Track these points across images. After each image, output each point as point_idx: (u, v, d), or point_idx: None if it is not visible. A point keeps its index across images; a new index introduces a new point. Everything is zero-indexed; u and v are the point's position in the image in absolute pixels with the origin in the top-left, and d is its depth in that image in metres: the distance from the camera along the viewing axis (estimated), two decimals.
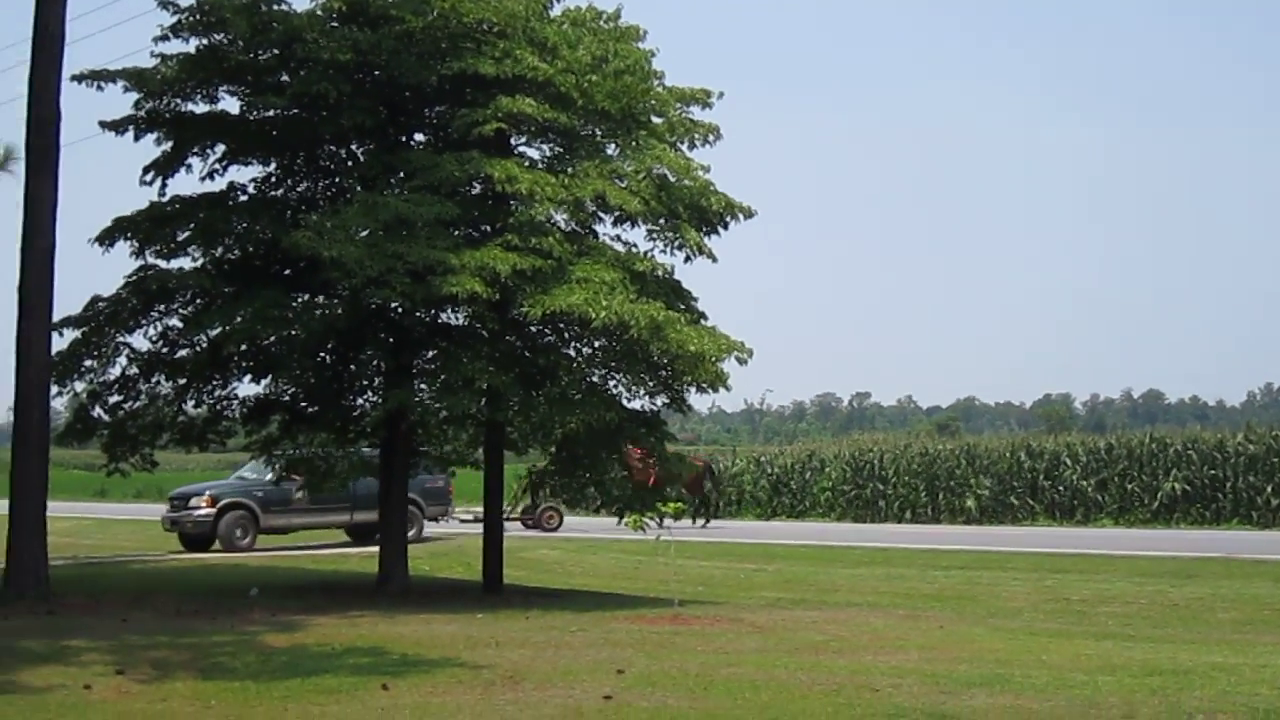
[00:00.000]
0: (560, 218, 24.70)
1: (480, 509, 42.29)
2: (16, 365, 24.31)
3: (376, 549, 27.45)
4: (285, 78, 25.21)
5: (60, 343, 25.75)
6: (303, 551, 38.62)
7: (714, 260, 26.04)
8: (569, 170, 24.46)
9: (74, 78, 25.72)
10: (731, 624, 20.40)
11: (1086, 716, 12.72)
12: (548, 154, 26.16)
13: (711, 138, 26.43)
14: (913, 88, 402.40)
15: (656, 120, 26.03)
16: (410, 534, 37.89)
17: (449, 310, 25.48)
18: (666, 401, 26.89)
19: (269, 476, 36.32)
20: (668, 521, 24.22)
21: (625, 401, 26.00)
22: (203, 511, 38.91)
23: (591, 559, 37.12)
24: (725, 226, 26.39)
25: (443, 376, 24.43)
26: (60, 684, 14.37)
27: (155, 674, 15.16)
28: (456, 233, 23.91)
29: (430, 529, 43.07)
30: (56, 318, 25.22)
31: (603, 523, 46.83)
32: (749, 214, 26.24)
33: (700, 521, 49.60)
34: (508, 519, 41.27)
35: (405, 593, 25.42)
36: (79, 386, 26.81)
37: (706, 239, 25.93)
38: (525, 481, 44.32)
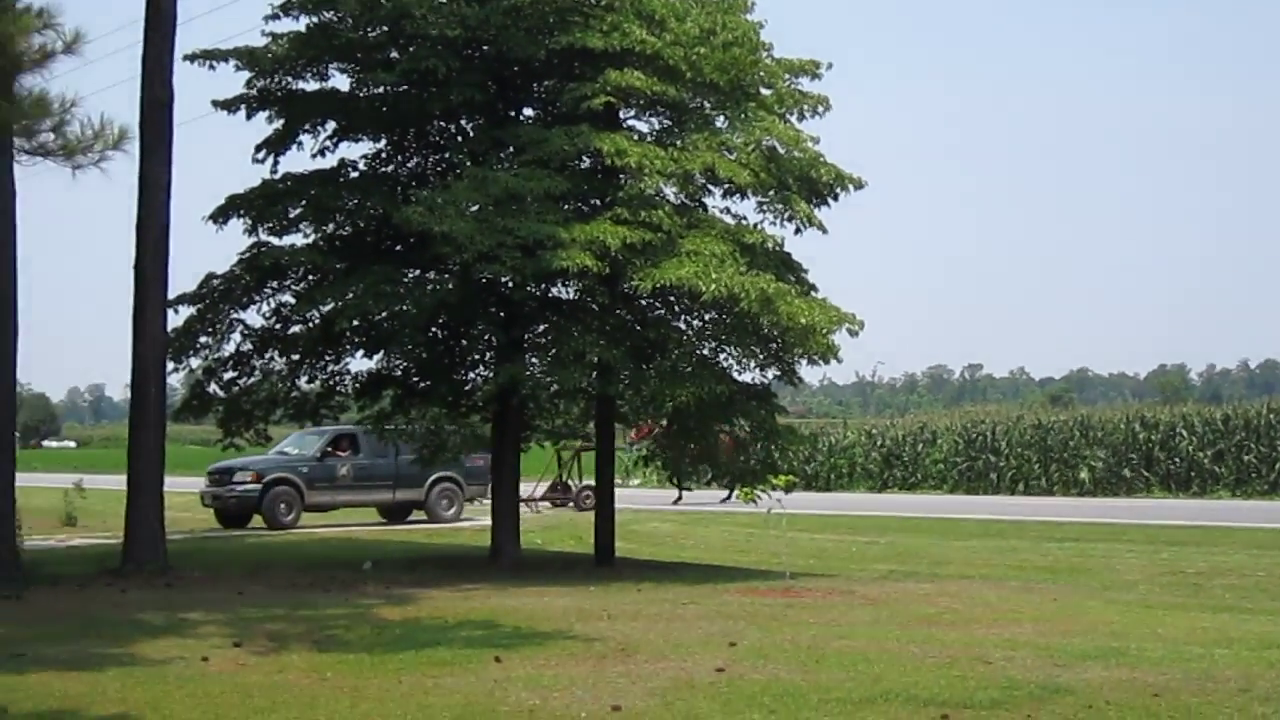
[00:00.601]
0: (669, 191, 24.66)
1: (532, 487, 42.33)
2: (134, 343, 24.63)
3: (489, 523, 27.54)
4: (395, 54, 25.33)
5: (176, 320, 26.11)
6: (372, 528, 38.83)
7: (824, 232, 25.92)
8: (678, 143, 24.38)
9: (186, 58, 25.97)
10: (844, 596, 20.33)
11: (1203, 689, 12.56)
12: (656, 127, 26.11)
13: (821, 109, 26.29)
14: (1024, 53, 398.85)
15: (765, 92, 25.90)
16: (449, 513, 39.34)
17: (559, 284, 25.50)
18: (777, 374, 26.82)
19: (314, 451, 38.40)
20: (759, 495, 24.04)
21: (736, 374, 25.96)
22: (247, 487, 38.48)
23: (702, 532, 37.10)
24: (835, 198, 26.25)
25: (553, 350, 24.48)
26: (178, 656, 14.55)
27: (271, 646, 15.32)
28: (566, 207, 23.94)
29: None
30: (172, 295, 25.54)
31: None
32: (859, 185, 26.08)
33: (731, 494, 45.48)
34: (531, 500, 41.58)
35: (517, 566, 25.51)
36: (194, 363, 27.13)
37: (816, 210, 25.80)
38: (561, 455, 44.05)
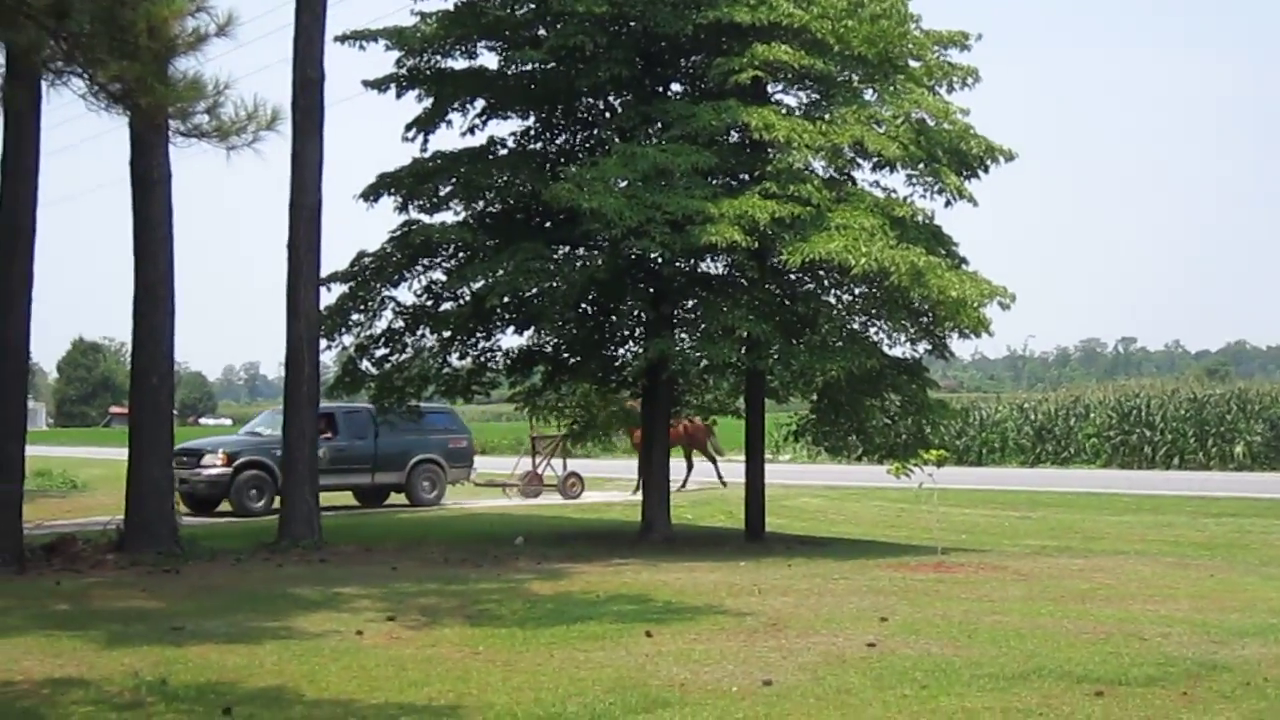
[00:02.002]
0: (818, 164, 24.57)
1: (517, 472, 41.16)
2: (288, 321, 25.00)
3: (639, 499, 27.60)
4: (542, 31, 25.42)
5: (329, 298, 26.42)
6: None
7: (974, 204, 25.66)
8: (826, 116, 24.25)
9: (337, 38, 26.30)
10: (996, 571, 20.16)
11: None
12: (804, 101, 25.99)
13: (970, 80, 26.07)
14: (1174, 25, 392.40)
15: (914, 64, 25.72)
16: (430, 496, 37.43)
17: (708, 259, 25.48)
18: (928, 348, 26.66)
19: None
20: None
21: (886, 348, 25.86)
22: (216, 470, 34.92)
23: (853, 506, 36.96)
24: (985, 170, 26.01)
25: (703, 325, 24.49)
26: (333, 630, 14.74)
27: (425, 620, 15.47)
28: (714, 182, 23.89)
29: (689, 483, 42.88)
30: (324, 273, 25.86)
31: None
32: (1010, 157, 25.81)
33: (682, 483, 40.59)
34: (507, 485, 40.38)
35: (668, 541, 25.55)
36: (347, 340, 27.45)
37: (966, 183, 25.57)
38: (535, 443, 41.78)
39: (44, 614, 16.12)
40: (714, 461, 43.28)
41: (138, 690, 11.38)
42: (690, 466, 42.96)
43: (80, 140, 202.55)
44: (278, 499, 31.24)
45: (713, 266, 25.85)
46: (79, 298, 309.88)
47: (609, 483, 43.93)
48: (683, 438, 39.65)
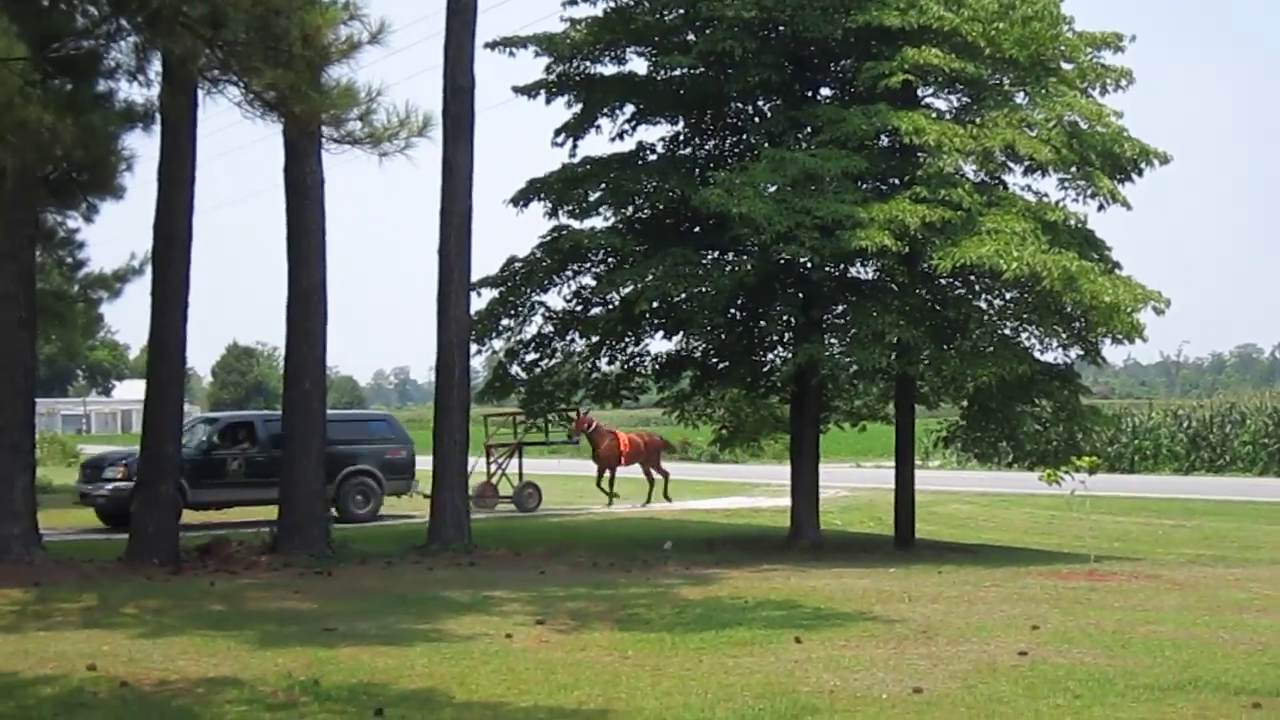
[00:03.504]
0: (969, 169, 24.39)
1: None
2: (438, 326, 25.19)
3: (788, 504, 27.52)
4: (691, 37, 25.48)
5: (479, 303, 26.63)
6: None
7: (1128, 208, 25.37)
8: (977, 120, 24.09)
9: (487, 45, 26.53)
10: (1149, 580, 19.85)
11: None
12: (955, 104, 25.84)
13: (1124, 82, 25.71)
14: None
15: (1066, 66, 25.45)
16: (364, 511, 33.44)
17: (858, 264, 25.38)
18: (1080, 354, 26.37)
19: (199, 442, 32.50)
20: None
21: (1038, 354, 25.61)
22: (116, 484, 31.33)
23: (1003, 513, 36.63)
24: (1140, 173, 25.67)
25: (852, 331, 24.41)
26: (483, 633, 14.82)
27: (574, 624, 15.51)
28: (864, 186, 23.81)
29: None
30: (474, 279, 26.04)
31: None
32: (1164, 160, 25.45)
33: (645, 501, 38.69)
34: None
35: (816, 547, 25.45)
36: (497, 345, 27.64)
37: (1120, 187, 25.25)
38: (490, 451, 38.57)
39: (199, 614, 16.35)
40: (651, 480, 39.35)
41: (291, 690, 11.51)
42: (652, 482, 39.35)
43: (235, 148, 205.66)
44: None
45: (862, 271, 25.77)
46: (233, 303, 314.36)
47: (755, 488, 43.82)
48: (642, 450, 38.78)
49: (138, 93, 22.53)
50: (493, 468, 38.54)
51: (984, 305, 25.96)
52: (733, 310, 26.24)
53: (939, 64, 23.49)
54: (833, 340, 25.37)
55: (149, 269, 24.26)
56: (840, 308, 25.80)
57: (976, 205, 23.18)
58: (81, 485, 32.94)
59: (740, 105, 26.70)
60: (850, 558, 23.82)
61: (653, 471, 39.34)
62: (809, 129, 24.76)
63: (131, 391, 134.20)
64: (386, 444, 34.77)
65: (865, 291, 25.24)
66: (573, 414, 33.41)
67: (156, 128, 23.60)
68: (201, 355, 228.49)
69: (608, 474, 37.89)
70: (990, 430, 26.85)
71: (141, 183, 23.85)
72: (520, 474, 38.64)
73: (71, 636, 14.52)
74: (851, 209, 22.50)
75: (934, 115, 24.50)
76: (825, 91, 26.64)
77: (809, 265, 23.96)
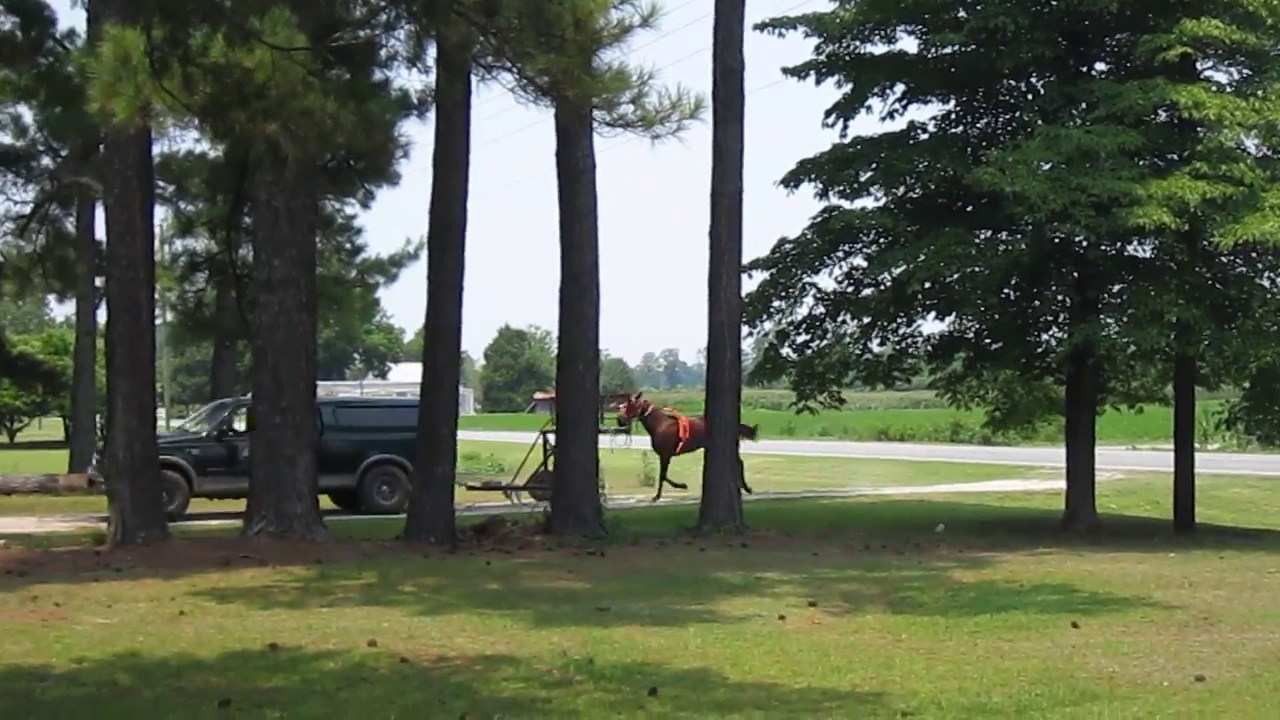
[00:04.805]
0: (1251, 143, 23.76)
1: (491, 476, 36.77)
2: (709, 307, 25.29)
3: (1062, 487, 27.10)
4: (962, 14, 25.17)
5: (749, 285, 26.66)
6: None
7: None
8: (1259, 93, 23.37)
9: (756, 26, 26.58)
10: None
11: None
12: (1235, 77, 25.11)
13: None
14: None
15: None
16: (389, 503, 31.55)
17: (1135, 242, 24.84)
18: None
19: (210, 428, 30.94)
20: None
21: None
22: None
23: None
24: None
25: (1130, 310, 23.89)
26: (756, 614, 14.85)
27: (846, 607, 15.46)
28: (1141, 162, 23.33)
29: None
30: (745, 260, 26.08)
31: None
32: None
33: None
34: (511, 488, 33.34)
35: (1093, 531, 25.00)
36: (767, 326, 27.65)
37: None
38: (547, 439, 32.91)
39: (475, 593, 16.64)
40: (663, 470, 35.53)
41: (566, 669, 11.65)
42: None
43: (506, 133, 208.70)
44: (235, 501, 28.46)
45: (1140, 250, 25.20)
46: (505, 286, 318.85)
47: (1030, 471, 43.18)
48: (704, 436, 31.55)
49: (414, 80, 23.04)
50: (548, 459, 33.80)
51: (1267, 284, 25.21)
52: (1006, 290, 25.90)
53: (1219, 35, 22.86)
54: (1109, 320, 24.83)
55: (424, 254, 24.80)
56: (1117, 287, 25.26)
57: (1259, 180, 22.53)
58: (94, 470, 31.07)
59: (1013, 82, 26.32)
60: (1127, 542, 23.36)
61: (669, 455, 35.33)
62: (1083, 105, 24.34)
63: (406, 375, 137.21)
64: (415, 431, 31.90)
65: (1143, 270, 24.70)
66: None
67: (431, 115, 24.12)
68: (474, 338, 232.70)
69: (669, 459, 34.92)
70: (1275, 412, 26.08)
71: (416, 169, 24.36)
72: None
73: (352, 613, 14.91)
74: (1128, 186, 22.03)
75: (1214, 88, 23.86)
76: (1100, 66, 26.15)
77: (1084, 244, 23.52)
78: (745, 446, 28.84)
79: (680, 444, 34.59)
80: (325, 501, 28.83)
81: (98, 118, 12.55)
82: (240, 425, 29.25)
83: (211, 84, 11.75)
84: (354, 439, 29.43)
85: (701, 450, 32.35)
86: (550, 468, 31.64)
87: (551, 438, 31.86)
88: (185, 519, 26.66)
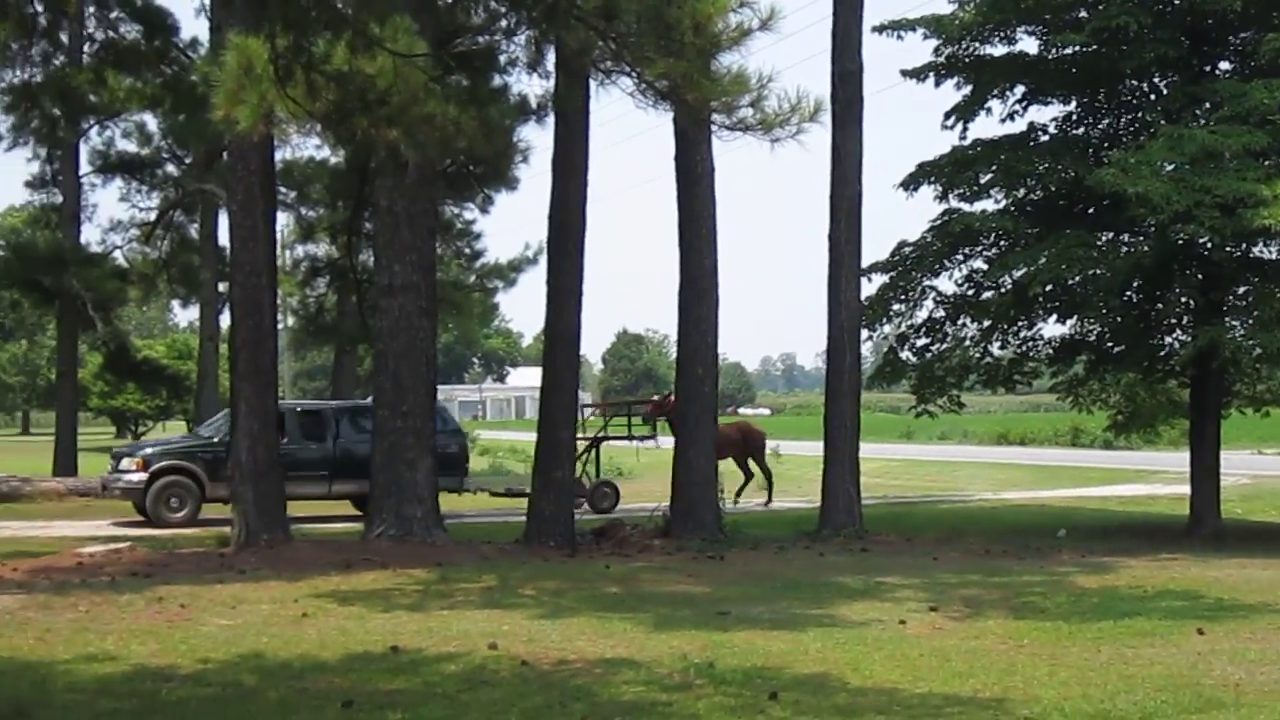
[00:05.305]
0: None
1: (514, 483, 34.18)
2: (828, 311, 25.25)
3: (1186, 492, 26.78)
4: (1083, 14, 24.98)
5: (868, 288, 26.60)
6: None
7: None
8: None
9: (874, 29, 26.51)
10: None
11: None
12: None
13: None
14: None
15: None
16: None
17: (1261, 243, 24.49)
18: None
19: (223, 433, 28.41)
20: None
21: None
22: (131, 476, 29.50)
23: None
24: None
25: (1255, 312, 23.58)
26: (876, 619, 14.79)
27: (968, 612, 15.37)
28: (1266, 163, 23.01)
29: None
30: (865, 264, 26.01)
31: None
32: None
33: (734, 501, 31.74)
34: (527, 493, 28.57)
35: (1217, 536, 24.70)
36: (886, 330, 27.55)
37: None
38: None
39: (595, 596, 16.69)
40: (768, 476, 34.90)
41: (686, 672, 11.65)
42: (748, 475, 34.66)
43: (624, 138, 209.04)
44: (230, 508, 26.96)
45: (1266, 251, 24.88)
46: (623, 290, 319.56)
47: (1152, 475, 42.66)
48: (737, 442, 33.84)
49: (533, 85, 23.17)
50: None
51: None
52: (1129, 292, 25.66)
53: None
54: (1234, 323, 24.51)
55: (543, 258, 24.91)
56: (1242, 289, 24.94)
57: None
58: (107, 476, 30.79)
59: (1135, 82, 26.10)
60: (1253, 548, 23.05)
61: (751, 465, 34.88)
62: (1207, 105, 24.09)
63: (524, 379, 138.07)
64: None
65: (1269, 272, 24.39)
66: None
67: (549, 120, 24.23)
68: (592, 342, 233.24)
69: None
70: None
71: (534, 174, 24.52)
72: (598, 470, 34.55)
73: (473, 616, 14.99)
74: (1254, 186, 21.75)
75: None
76: (1224, 65, 25.88)
77: (1209, 245, 23.26)
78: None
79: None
80: (345, 508, 30.03)
81: (221, 125, 12.68)
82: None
83: (334, 91, 11.86)
84: (359, 447, 28.29)
85: (731, 458, 32.67)
86: (580, 476, 31.30)
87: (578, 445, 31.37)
88: (307, 522, 26.88)
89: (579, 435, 32.19)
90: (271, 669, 11.86)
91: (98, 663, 12.15)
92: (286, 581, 17.50)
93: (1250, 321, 23.74)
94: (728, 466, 31.18)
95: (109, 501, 30.15)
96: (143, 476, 29.09)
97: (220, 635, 13.57)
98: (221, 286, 37.72)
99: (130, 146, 39.84)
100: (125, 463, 29.90)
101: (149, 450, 30.51)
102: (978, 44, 26.70)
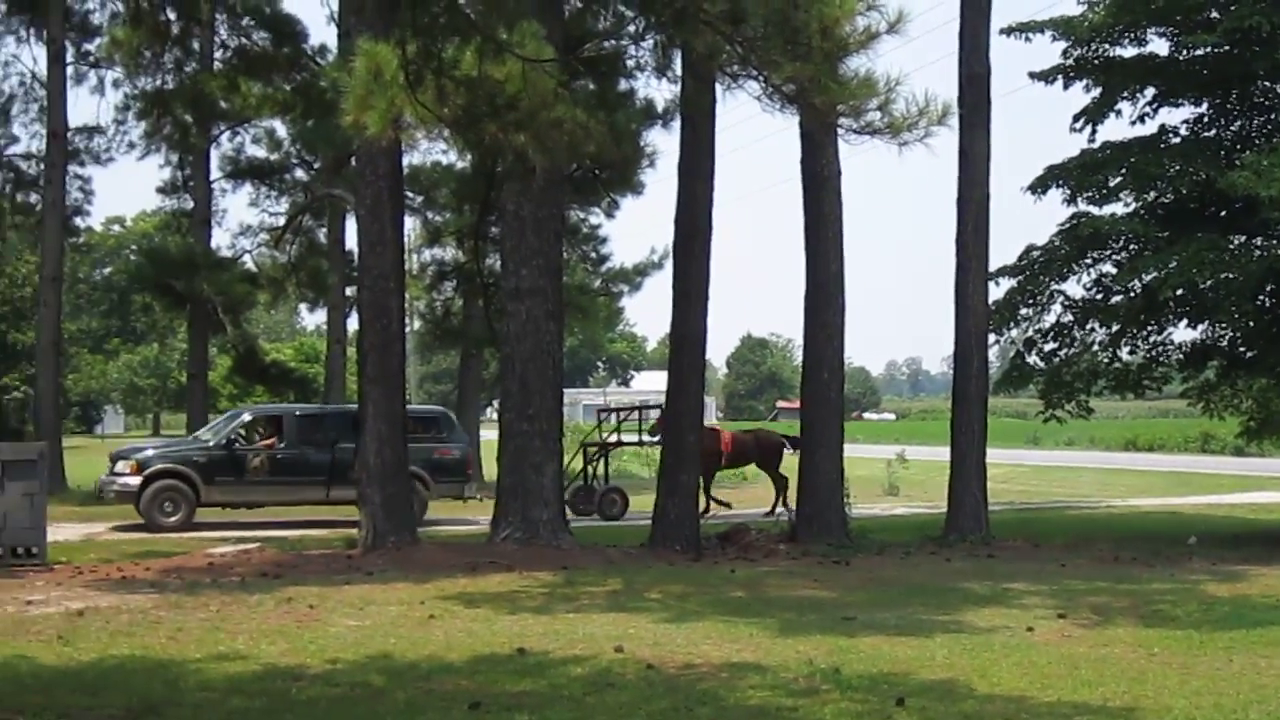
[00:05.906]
0: None
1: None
2: (956, 315, 25.09)
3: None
4: (1215, 14, 24.66)
5: (996, 292, 26.41)
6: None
7: None
8: None
9: (1002, 31, 26.36)
10: None
11: None
12: None
13: None
14: None
15: None
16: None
17: None
18: None
19: (220, 437, 30.14)
20: None
21: None
22: (125, 479, 29.26)
23: None
24: None
25: None
26: (1003, 625, 14.70)
27: (1096, 619, 15.22)
28: None
29: None
30: (992, 268, 25.83)
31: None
32: None
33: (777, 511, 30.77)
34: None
35: None
36: (1014, 334, 27.35)
37: None
38: (586, 452, 33.38)
39: (720, 600, 16.70)
40: (780, 486, 32.15)
41: (812, 677, 11.63)
42: (777, 486, 32.22)
43: (749, 141, 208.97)
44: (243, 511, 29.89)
45: None
46: (747, 295, 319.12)
47: None
48: (752, 449, 32.86)
49: (662, 90, 23.26)
50: (587, 474, 33.36)
51: None
52: (1261, 297, 25.30)
53: None
54: None
55: (668, 262, 24.95)
56: None
57: None
58: (103, 479, 30.51)
59: (1268, 84, 25.75)
60: None
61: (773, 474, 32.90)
62: None
63: (649, 382, 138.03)
64: (436, 442, 30.79)
65: None
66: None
67: (675, 124, 24.28)
68: (717, 346, 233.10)
69: (713, 475, 31.88)
70: None
71: (659, 178, 24.63)
72: (606, 477, 33.76)
73: (598, 619, 15.05)
74: None
75: None
76: None
77: None
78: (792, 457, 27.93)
79: (723, 458, 32.01)
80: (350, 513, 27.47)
81: (350, 130, 12.84)
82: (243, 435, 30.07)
83: (463, 96, 11.96)
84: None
85: (753, 465, 32.75)
86: (587, 482, 32.63)
87: (589, 451, 33.09)
88: (429, 525, 27.05)
89: (588, 441, 33.87)
90: (399, 670, 11.98)
91: (228, 662, 12.34)
92: (413, 583, 17.67)
93: None
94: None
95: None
96: (137, 480, 28.93)
97: (349, 636, 13.73)
98: (349, 290, 38.20)
99: (260, 152, 40.50)
100: (120, 465, 29.73)
101: (144, 454, 30.34)
102: (1107, 45, 26.46)
